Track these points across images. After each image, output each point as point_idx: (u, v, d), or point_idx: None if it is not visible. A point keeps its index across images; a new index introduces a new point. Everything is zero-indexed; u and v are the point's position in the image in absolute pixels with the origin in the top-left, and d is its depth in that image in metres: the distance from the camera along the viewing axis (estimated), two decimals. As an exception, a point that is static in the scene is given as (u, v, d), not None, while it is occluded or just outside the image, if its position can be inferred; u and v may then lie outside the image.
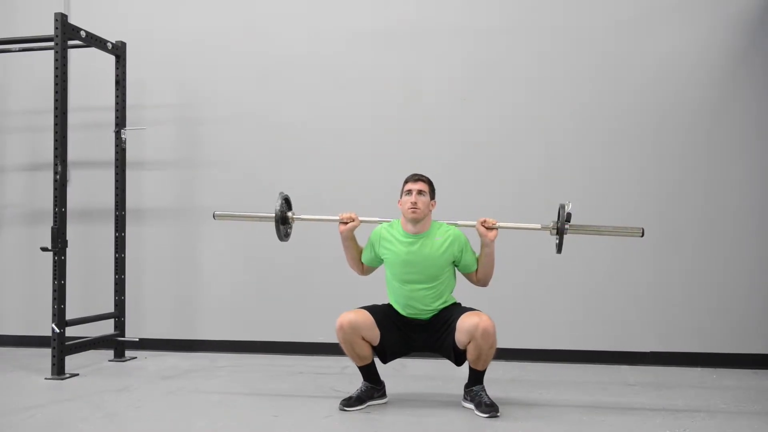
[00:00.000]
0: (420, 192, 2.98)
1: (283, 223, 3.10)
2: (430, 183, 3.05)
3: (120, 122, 4.19)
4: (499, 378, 3.55)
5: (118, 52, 4.18)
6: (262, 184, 4.34)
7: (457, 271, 3.11)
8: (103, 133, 4.36)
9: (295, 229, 4.29)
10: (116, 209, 4.19)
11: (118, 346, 4.15)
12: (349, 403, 3.01)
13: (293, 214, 3.14)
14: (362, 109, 4.25)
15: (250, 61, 4.38)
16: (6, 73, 4.66)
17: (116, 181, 4.19)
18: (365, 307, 3.04)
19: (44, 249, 3.69)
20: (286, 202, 3.13)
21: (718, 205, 3.96)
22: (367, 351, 3.02)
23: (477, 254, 3.07)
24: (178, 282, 4.44)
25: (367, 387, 3.09)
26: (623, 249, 4.01)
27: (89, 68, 4.47)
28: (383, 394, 3.13)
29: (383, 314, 3.03)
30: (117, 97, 4.20)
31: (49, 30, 3.76)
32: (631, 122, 4.03)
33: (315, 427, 2.78)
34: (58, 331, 3.66)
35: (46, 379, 3.61)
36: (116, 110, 4.20)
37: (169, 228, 4.44)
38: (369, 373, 3.09)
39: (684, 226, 3.99)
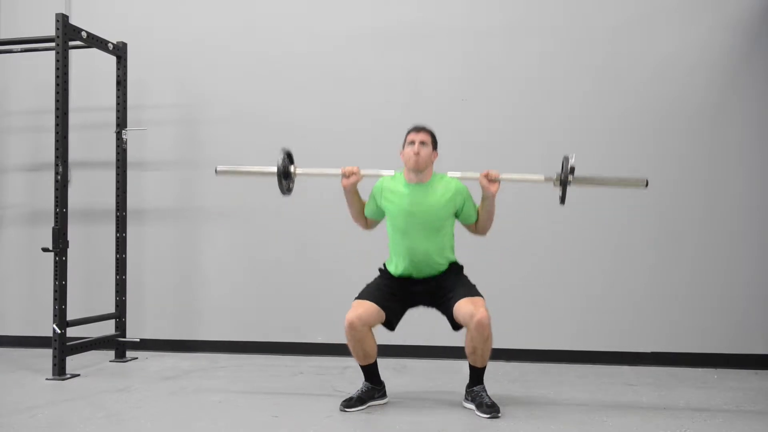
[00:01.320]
0: (422, 142, 3.01)
1: (285, 177, 3.11)
2: (432, 134, 3.07)
3: (121, 123, 4.20)
4: (499, 378, 3.56)
5: (119, 52, 4.18)
6: (263, 185, 4.34)
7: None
8: (104, 134, 4.36)
9: (296, 229, 4.33)
10: (117, 210, 4.19)
11: (119, 346, 4.15)
12: (349, 403, 3.01)
13: (295, 168, 3.15)
14: (363, 109, 4.26)
15: (250, 61, 4.39)
16: (7, 74, 4.67)
17: (117, 181, 4.20)
18: (362, 297, 3.03)
19: (45, 249, 3.69)
20: (288, 157, 3.14)
21: (719, 206, 3.96)
22: (373, 348, 3.04)
23: (477, 206, 3.09)
24: (178, 282, 4.44)
25: (368, 387, 3.09)
26: (624, 249, 4.01)
27: (90, 69, 4.47)
28: (384, 395, 3.14)
29: (380, 292, 3.04)
30: (118, 97, 4.20)
31: (51, 31, 3.77)
32: (631, 122, 4.03)
33: (315, 427, 2.78)
34: (59, 331, 3.66)
35: (47, 379, 3.62)
36: (117, 111, 4.20)
37: (170, 228, 4.45)
38: (371, 372, 3.09)
39: (685, 227, 3.99)
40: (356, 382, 3.26)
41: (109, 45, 4.10)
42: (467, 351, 2.95)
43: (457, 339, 3.99)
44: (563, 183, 2.93)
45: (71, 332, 3.79)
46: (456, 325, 3.03)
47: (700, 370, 3.85)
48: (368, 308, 2.98)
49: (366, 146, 4.24)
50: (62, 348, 3.67)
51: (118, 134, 4.19)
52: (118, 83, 4.21)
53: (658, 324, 3.98)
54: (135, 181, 4.35)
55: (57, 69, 3.70)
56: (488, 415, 2.89)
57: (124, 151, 4.21)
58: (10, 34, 4.53)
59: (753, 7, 3.95)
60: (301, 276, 4.30)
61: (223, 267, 4.40)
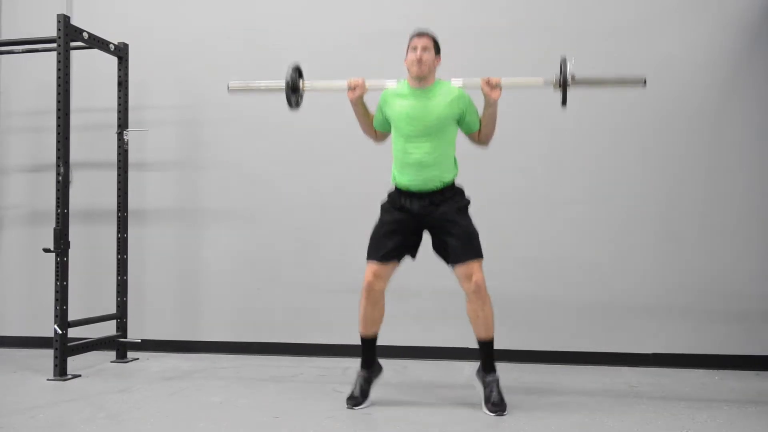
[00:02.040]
0: (424, 48, 3.03)
1: (293, 91, 3.20)
2: (434, 39, 3.09)
3: (122, 123, 4.20)
4: (501, 378, 3.54)
5: (121, 53, 4.19)
6: (264, 185, 4.34)
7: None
8: (106, 135, 4.37)
9: (297, 230, 4.33)
10: (118, 210, 4.20)
11: (120, 347, 4.15)
12: (356, 401, 3.04)
13: (303, 82, 3.24)
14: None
15: (251, 62, 4.39)
16: (9, 75, 4.67)
17: (119, 182, 4.20)
18: (372, 256, 3.05)
19: (46, 250, 3.69)
20: (297, 71, 3.22)
21: (720, 206, 3.96)
22: (382, 314, 3.09)
23: (479, 115, 3.12)
24: (180, 283, 4.44)
25: (364, 378, 3.11)
26: (624, 250, 4.01)
27: (91, 69, 4.48)
28: (380, 368, 3.19)
29: (387, 239, 3.05)
30: (119, 98, 4.21)
31: (51, 31, 3.77)
32: (632, 123, 4.03)
33: (316, 427, 2.78)
34: (60, 332, 3.67)
35: (48, 380, 3.62)
36: (119, 111, 4.21)
37: (171, 229, 4.45)
38: (370, 348, 3.13)
39: (686, 227, 3.98)
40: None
41: (111, 46, 4.10)
42: (470, 318, 3.01)
43: (457, 340, 4.01)
44: (563, 84, 2.97)
45: (72, 333, 3.79)
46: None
47: (700, 371, 3.85)
48: (381, 266, 3.03)
49: (367, 147, 4.23)
50: (63, 348, 3.67)
51: (120, 135, 4.20)
52: (120, 84, 4.21)
53: (658, 325, 3.98)
54: (136, 182, 4.36)
55: (58, 70, 3.70)
56: (493, 413, 2.90)
57: (126, 151, 4.22)
58: (11, 34, 4.55)
59: (753, 7, 3.95)
60: (302, 277, 4.30)
61: (224, 268, 4.40)
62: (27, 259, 4.57)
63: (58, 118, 3.71)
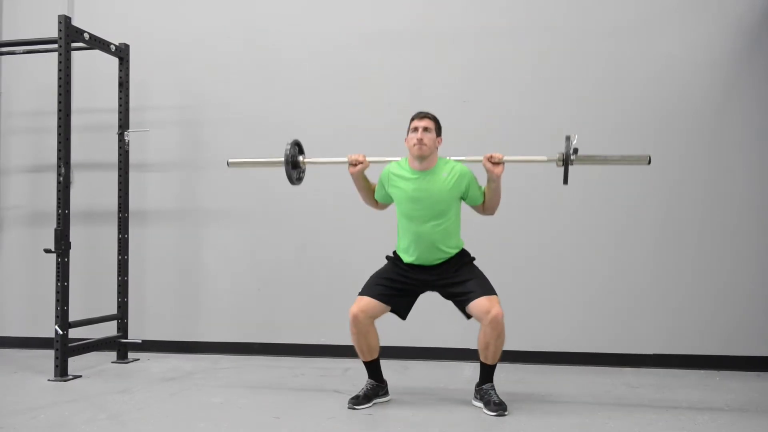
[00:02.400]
0: (426, 129, 3.03)
1: (294, 167, 3.20)
2: (435, 120, 3.09)
3: (123, 124, 4.20)
4: (501, 380, 3.54)
5: (122, 54, 4.19)
6: (264, 185, 4.34)
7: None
8: (107, 135, 4.37)
9: (298, 230, 4.33)
10: (119, 211, 4.20)
11: (120, 347, 4.15)
12: (357, 401, 3.04)
13: (304, 158, 3.25)
14: (364, 110, 4.25)
15: (251, 62, 4.39)
16: (10, 75, 4.68)
17: (119, 182, 4.20)
18: (364, 293, 3.05)
19: (47, 251, 3.70)
20: (297, 146, 3.23)
21: (721, 207, 3.95)
22: (377, 343, 3.08)
23: (483, 188, 3.12)
24: (180, 284, 4.44)
25: (372, 385, 3.12)
26: (625, 251, 4.01)
27: (92, 70, 4.48)
28: (386, 392, 3.17)
29: (383, 287, 3.04)
30: (120, 99, 4.21)
31: (52, 32, 3.78)
32: (632, 123, 4.02)
33: (317, 428, 2.78)
34: (61, 332, 3.67)
35: (48, 380, 3.62)
36: (119, 112, 4.21)
37: (172, 230, 4.45)
38: (374, 369, 3.12)
39: (686, 228, 3.98)
40: (358, 384, 3.26)
41: (112, 46, 4.10)
42: (480, 347, 2.98)
43: (457, 341, 4.01)
44: (565, 162, 2.96)
45: (73, 333, 3.80)
46: (468, 316, 3.05)
47: (701, 371, 3.85)
48: (369, 303, 3.02)
49: (367, 147, 4.23)
50: (64, 349, 3.67)
51: (120, 135, 4.20)
52: (121, 85, 4.21)
53: (659, 326, 3.97)
54: (137, 183, 4.36)
55: (60, 71, 3.70)
56: (495, 413, 2.91)
57: (126, 152, 4.22)
58: (12, 35, 4.55)
59: (754, 7, 3.95)
60: (303, 277, 4.30)
61: (225, 268, 4.40)
62: (28, 259, 4.57)
63: (59, 118, 3.71)
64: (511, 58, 4.13)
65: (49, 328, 3.81)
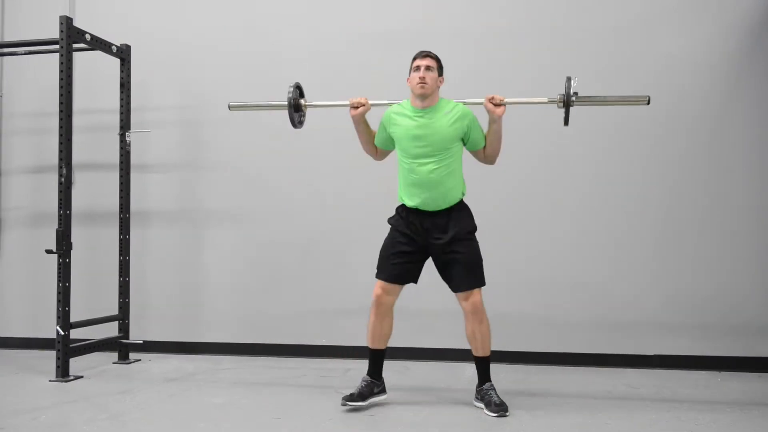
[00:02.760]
0: (428, 68, 3.05)
1: (296, 110, 3.26)
2: (437, 59, 3.11)
3: (125, 125, 4.21)
4: (502, 380, 3.54)
5: (123, 55, 4.19)
6: (265, 186, 4.35)
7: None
8: (108, 136, 4.38)
9: (299, 231, 4.33)
10: (121, 212, 4.20)
11: (122, 348, 4.16)
12: (351, 398, 3.04)
13: (305, 101, 3.29)
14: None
15: (252, 63, 4.39)
16: (11, 76, 4.68)
17: (121, 183, 4.21)
18: (381, 276, 3.09)
19: (49, 251, 3.70)
20: (299, 90, 3.28)
21: (722, 207, 3.95)
22: (390, 329, 3.13)
23: (484, 132, 3.12)
24: (182, 284, 4.45)
25: (367, 382, 3.12)
26: (626, 251, 4.01)
27: (93, 71, 4.48)
28: (383, 390, 3.17)
29: (394, 264, 3.07)
30: (122, 99, 4.21)
31: (53, 33, 3.78)
32: (633, 123, 4.02)
33: (318, 429, 2.78)
34: (62, 333, 3.67)
35: (50, 381, 3.62)
36: (121, 113, 4.21)
37: (173, 230, 4.45)
38: (377, 360, 3.14)
39: (688, 229, 3.98)
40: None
41: (113, 47, 4.11)
42: (468, 338, 3.05)
43: (458, 341, 3.99)
44: (566, 103, 2.99)
45: (74, 334, 3.80)
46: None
47: (703, 372, 3.84)
48: (387, 285, 3.08)
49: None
50: (65, 350, 3.68)
51: (122, 136, 4.21)
52: (122, 85, 4.22)
53: (661, 327, 3.97)
54: (138, 183, 4.36)
55: (61, 71, 3.71)
56: (496, 414, 2.91)
57: (128, 153, 4.22)
58: (14, 36, 4.56)
59: (755, 8, 3.94)
60: (304, 278, 4.30)
61: (227, 269, 4.40)
62: (29, 260, 4.57)
63: (61, 119, 3.72)
64: (511, 58, 4.13)
65: (50, 329, 3.81)
